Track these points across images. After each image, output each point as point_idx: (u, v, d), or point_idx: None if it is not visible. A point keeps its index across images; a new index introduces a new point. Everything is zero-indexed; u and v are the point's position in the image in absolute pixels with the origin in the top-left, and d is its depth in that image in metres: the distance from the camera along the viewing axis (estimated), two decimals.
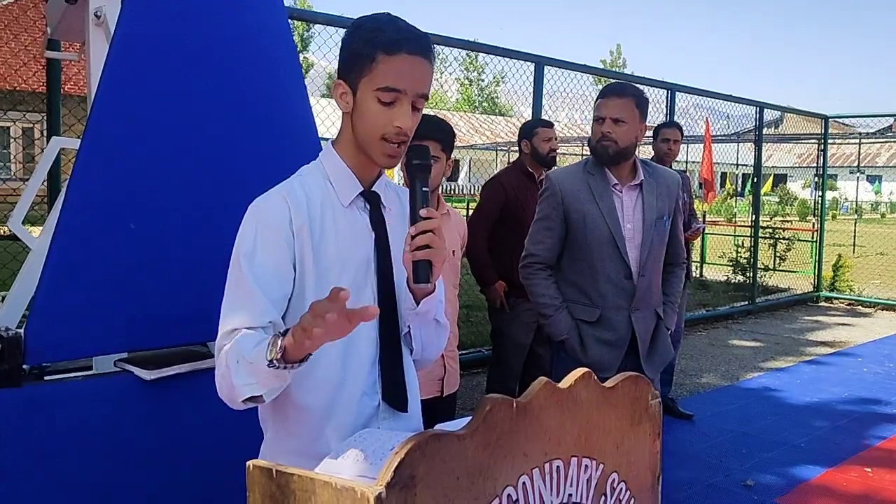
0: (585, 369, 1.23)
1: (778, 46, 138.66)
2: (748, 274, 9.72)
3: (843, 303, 10.15)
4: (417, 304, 1.43)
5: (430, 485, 0.98)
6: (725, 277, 10.43)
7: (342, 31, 5.05)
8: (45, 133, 4.70)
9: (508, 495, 1.09)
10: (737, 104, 9.28)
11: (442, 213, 3.14)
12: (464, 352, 5.54)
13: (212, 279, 2.30)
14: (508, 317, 3.96)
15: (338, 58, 1.46)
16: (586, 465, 1.22)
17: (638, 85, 7.84)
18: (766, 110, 9.54)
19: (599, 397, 1.25)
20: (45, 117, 4.42)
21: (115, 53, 2.25)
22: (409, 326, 1.49)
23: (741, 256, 10.08)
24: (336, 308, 1.07)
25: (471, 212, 4.94)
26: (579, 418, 1.21)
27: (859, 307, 9.89)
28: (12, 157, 14.69)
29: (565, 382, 1.19)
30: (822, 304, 10.16)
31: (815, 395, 5.64)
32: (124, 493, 2.20)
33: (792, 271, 10.99)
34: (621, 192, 2.73)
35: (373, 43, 1.36)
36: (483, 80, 45.23)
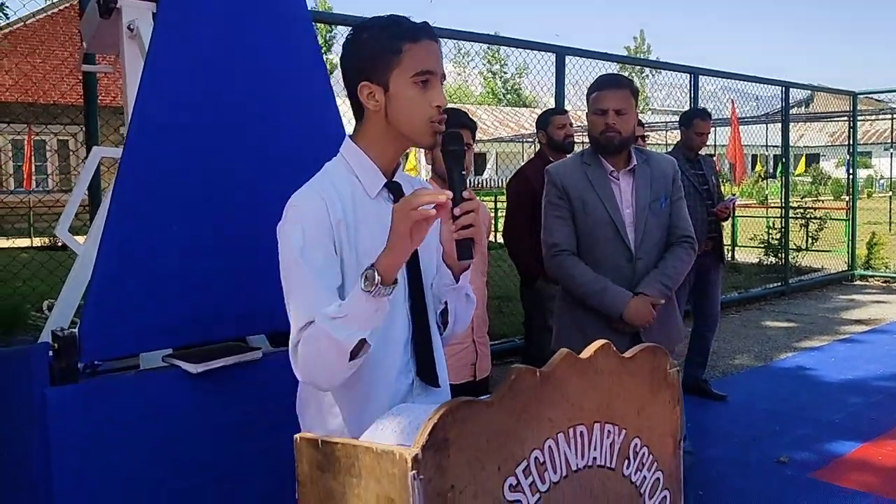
0: (605, 340, 1.31)
1: (804, 23, 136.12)
2: (780, 255, 9.66)
3: (878, 280, 10.04)
4: (457, 280, 1.54)
5: (462, 448, 1.08)
6: (758, 259, 10.38)
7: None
8: (82, 144, 4.84)
9: (535, 458, 1.18)
10: (763, 85, 9.22)
11: None
12: (496, 342, 5.62)
13: (249, 276, 2.44)
14: (539, 303, 4.05)
15: (344, 66, 1.58)
16: (609, 431, 1.31)
17: (663, 70, 7.87)
18: (793, 90, 9.47)
19: (619, 366, 1.33)
20: (84, 129, 4.57)
21: (151, 64, 2.37)
22: (444, 303, 1.60)
23: (773, 238, 10.03)
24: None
25: (499, 205, 5.02)
26: (600, 386, 1.29)
27: (895, 284, 9.78)
28: (49, 168, 15.05)
29: (586, 353, 1.28)
30: (857, 282, 10.06)
31: (850, 373, 5.63)
32: (176, 481, 2.32)
33: (825, 251, 10.89)
34: (618, 178, 2.83)
35: (395, 37, 1.48)
36: (506, 73, 45.21)
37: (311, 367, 1.43)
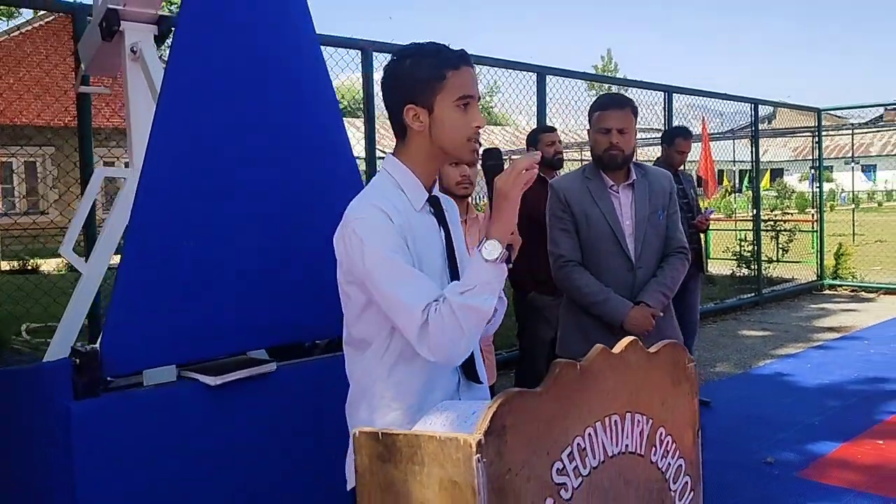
0: (633, 337, 1.43)
1: (768, 43, 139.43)
2: (753, 267, 9.92)
3: (846, 289, 10.35)
4: None
5: (518, 433, 1.18)
6: (731, 271, 10.64)
7: (353, 52, 5.19)
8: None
9: (578, 444, 1.30)
10: (731, 102, 9.50)
11: (472, 218, 3.36)
12: None
13: (261, 292, 2.52)
14: (533, 314, 4.17)
15: (388, 90, 1.71)
16: (638, 420, 1.42)
17: (636, 88, 8.08)
18: (761, 106, 9.77)
19: (645, 361, 1.45)
20: (78, 150, 4.60)
21: (168, 87, 2.45)
22: None
23: (745, 250, 10.29)
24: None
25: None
26: (630, 379, 1.41)
27: (862, 293, 10.09)
28: (16, 190, 14.82)
29: (617, 348, 1.40)
30: (827, 291, 10.36)
31: (826, 378, 5.83)
32: (198, 490, 2.38)
33: (795, 262, 11.20)
34: (618, 192, 2.98)
35: (439, 65, 1.62)
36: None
37: (449, 340, 1.49)
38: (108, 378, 2.52)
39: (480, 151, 1.74)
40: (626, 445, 1.40)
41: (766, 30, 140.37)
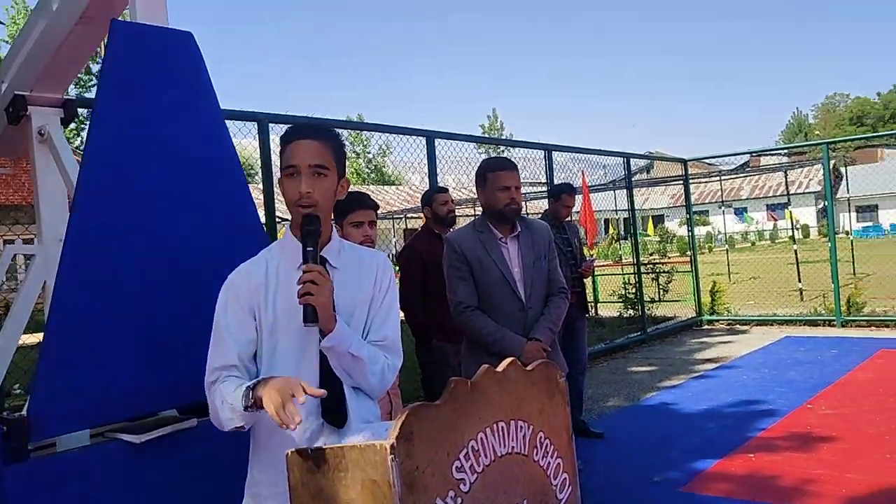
0: (513, 357, 1.76)
1: (647, 97, 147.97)
2: (637, 307, 10.61)
3: (722, 323, 11.20)
4: (322, 339, 1.84)
5: (423, 438, 1.48)
6: (618, 313, 11.32)
7: (249, 124, 5.45)
8: None
9: (472, 446, 1.60)
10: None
11: None
12: None
13: (182, 352, 2.66)
14: (436, 361, 4.48)
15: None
16: (521, 426, 1.74)
17: (519, 147, 8.65)
18: (634, 159, 10.59)
19: (524, 377, 1.78)
20: None
21: (88, 161, 2.60)
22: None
23: (629, 293, 11.00)
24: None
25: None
26: (512, 392, 1.73)
27: (737, 326, 10.95)
28: None
29: (500, 367, 1.72)
30: (706, 326, 11.18)
31: (705, 404, 6.38)
32: None
33: (676, 301, 12.02)
34: (506, 243, 3.39)
35: (281, 143, 1.94)
36: (370, 153, 46.31)
37: (211, 412, 1.91)
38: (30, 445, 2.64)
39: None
40: (513, 447, 1.71)
41: (652, 85, 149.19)
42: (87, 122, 3.42)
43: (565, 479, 1.88)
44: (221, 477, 2.69)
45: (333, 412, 1.89)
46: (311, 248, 1.84)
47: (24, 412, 2.54)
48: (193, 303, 2.76)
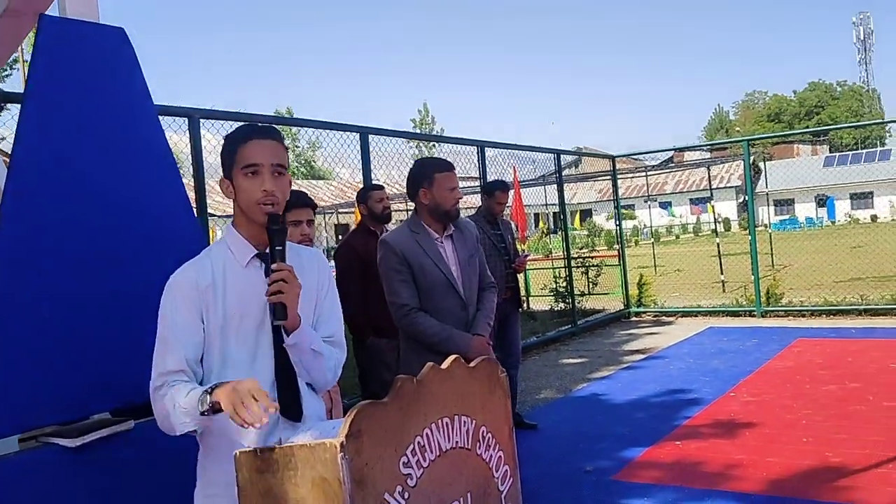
0: (456, 355, 1.81)
1: (575, 94, 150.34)
2: (568, 301, 10.84)
3: (649, 315, 11.55)
4: (287, 335, 1.87)
5: (370, 435, 1.52)
6: (549, 306, 11.54)
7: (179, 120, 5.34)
8: None
9: (418, 441, 1.65)
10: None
11: None
12: None
13: (114, 353, 2.63)
14: (373, 358, 4.50)
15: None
16: (464, 421, 1.80)
17: (452, 143, 8.71)
18: (564, 155, 10.80)
19: (467, 373, 1.84)
20: None
21: (15, 165, 2.55)
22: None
23: (559, 286, 11.22)
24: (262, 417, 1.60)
25: None
26: (455, 388, 1.78)
27: (663, 317, 11.31)
28: None
29: (445, 364, 1.77)
30: (633, 318, 11.51)
31: (634, 394, 6.59)
32: None
33: (604, 293, 12.33)
34: (442, 242, 3.45)
35: (233, 143, 1.93)
36: (298, 147, 45.73)
37: (159, 416, 1.87)
38: None
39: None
40: (457, 441, 1.77)
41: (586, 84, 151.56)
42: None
43: (506, 470, 1.95)
44: (160, 480, 2.68)
45: (290, 407, 1.92)
46: (280, 248, 1.86)
47: None
48: (127, 302, 2.72)
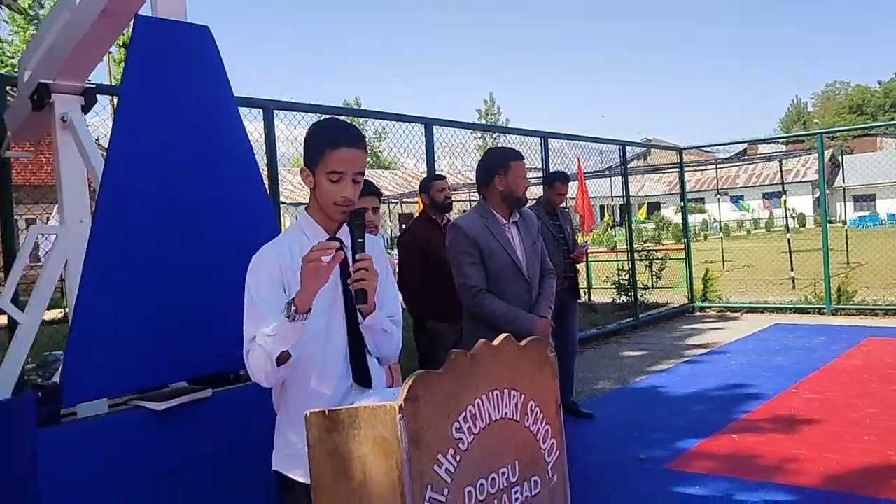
0: (507, 334, 1.96)
1: (646, 84, 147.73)
2: (630, 294, 10.83)
3: (714, 310, 11.43)
4: (364, 318, 2.09)
5: (427, 401, 1.68)
6: (612, 299, 11.54)
7: (255, 111, 5.60)
8: None
9: (469, 410, 1.80)
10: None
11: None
12: None
13: (195, 329, 2.85)
14: (433, 342, 4.68)
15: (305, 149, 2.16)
16: (514, 394, 1.94)
17: (515, 134, 8.82)
18: (630, 147, 10.76)
19: (517, 351, 1.98)
20: None
21: (114, 151, 2.79)
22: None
23: (622, 279, 11.21)
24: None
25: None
26: (506, 363, 1.93)
27: (728, 312, 11.17)
28: None
29: (496, 342, 1.92)
30: (697, 313, 11.40)
31: (692, 387, 6.60)
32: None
33: (669, 287, 12.24)
34: (510, 228, 3.60)
35: (322, 143, 2.07)
36: (366, 137, 46.20)
37: (254, 370, 2.02)
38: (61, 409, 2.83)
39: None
40: (506, 413, 1.91)
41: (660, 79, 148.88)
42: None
43: (553, 443, 2.09)
44: (235, 444, 2.91)
45: (361, 376, 2.14)
46: (362, 240, 2.04)
47: (56, 379, 2.74)
48: (207, 282, 2.96)
